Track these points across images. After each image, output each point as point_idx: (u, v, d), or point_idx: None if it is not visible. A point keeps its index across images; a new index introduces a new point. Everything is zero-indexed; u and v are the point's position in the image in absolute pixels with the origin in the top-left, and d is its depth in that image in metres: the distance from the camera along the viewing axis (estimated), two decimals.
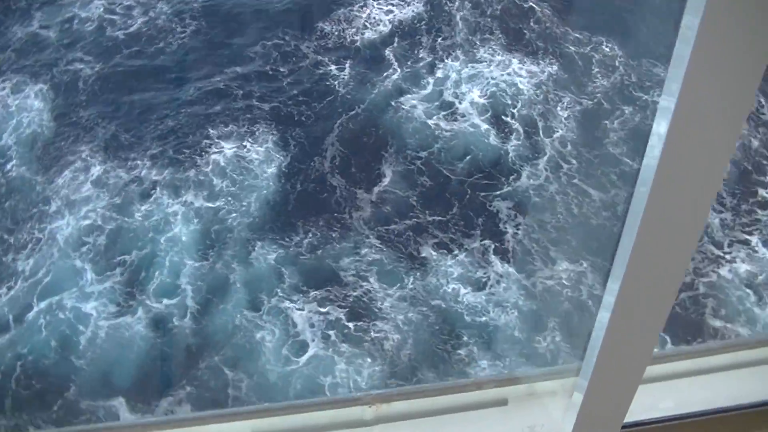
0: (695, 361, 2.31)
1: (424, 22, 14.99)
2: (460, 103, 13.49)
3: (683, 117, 1.22)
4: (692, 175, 1.29)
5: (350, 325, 10.61)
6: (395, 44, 14.58)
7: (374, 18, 15.08)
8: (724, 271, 11.28)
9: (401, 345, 10.42)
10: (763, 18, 1.14)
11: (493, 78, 13.87)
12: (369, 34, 14.76)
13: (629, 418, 2.21)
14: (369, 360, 10.28)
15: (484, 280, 11.12)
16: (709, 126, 1.24)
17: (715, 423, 2.24)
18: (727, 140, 1.26)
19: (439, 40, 14.68)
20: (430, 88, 13.81)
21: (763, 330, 10.68)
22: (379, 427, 2.19)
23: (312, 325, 10.58)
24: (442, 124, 13.16)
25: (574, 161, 12.68)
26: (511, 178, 12.46)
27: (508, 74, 13.96)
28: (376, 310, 10.78)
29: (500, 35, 14.73)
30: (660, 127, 1.28)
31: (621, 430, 2.11)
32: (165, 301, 10.89)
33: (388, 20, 15.03)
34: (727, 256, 11.47)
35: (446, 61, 14.25)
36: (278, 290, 10.97)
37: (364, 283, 11.03)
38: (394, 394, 2.29)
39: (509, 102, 13.56)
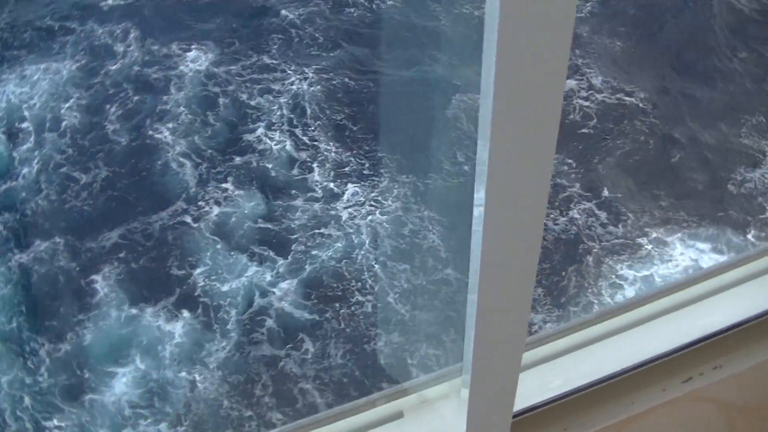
0: (573, 337, 2.36)
1: None
2: None
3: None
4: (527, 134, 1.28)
5: None
6: None
7: None
8: None
9: None
10: None
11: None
12: None
13: (521, 404, 2.23)
14: None
15: None
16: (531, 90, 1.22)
17: (602, 391, 2.28)
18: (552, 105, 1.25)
19: None
20: None
21: None
22: None
23: None
24: None
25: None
26: None
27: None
28: None
29: None
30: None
31: (514, 419, 2.12)
32: None
33: None
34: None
35: None
36: None
37: None
38: (290, 429, 2.22)
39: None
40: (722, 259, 11.57)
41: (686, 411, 2.43)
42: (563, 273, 11.40)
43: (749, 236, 11.85)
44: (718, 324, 2.39)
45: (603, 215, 12.00)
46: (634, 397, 2.35)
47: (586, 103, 13.31)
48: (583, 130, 13.01)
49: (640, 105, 13.43)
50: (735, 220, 12.09)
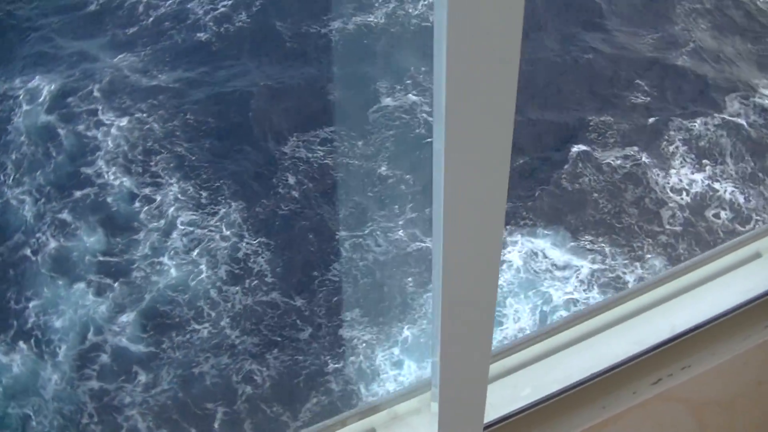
0: (541, 345, 2.36)
1: None
2: None
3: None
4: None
5: None
6: None
7: None
8: None
9: None
10: None
11: None
12: None
13: (492, 415, 2.22)
14: None
15: None
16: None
17: (573, 397, 2.29)
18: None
19: None
20: None
21: None
22: None
23: None
24: None
25: None
26: None
27: None
28: None
29: None
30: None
31: (485, 429, 2.12)
32: None
33: None
34: None
35: None
36: None
37: None
38: None
39: None
40: None
41: (657, 412, 2.45)
42: None
43: None
44: (685, 324, 2.41)
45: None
46: (606, 401, 2.36)
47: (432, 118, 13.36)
48: (429, 140, 13.09)
49: None
50: None
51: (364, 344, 10.96)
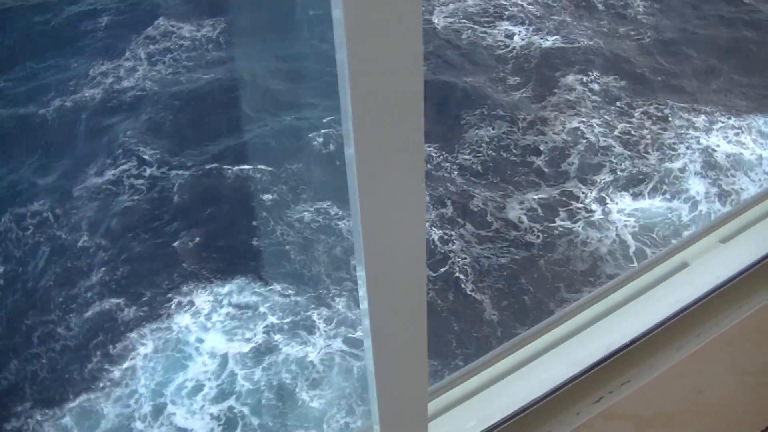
0: (481, 375, 2.36)
1: None
2: None
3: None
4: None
5: None
6: None
7: None
8: None
9: None
10: None
11: None
12: None
13: None
14: None
15: None
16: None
17: (517, 424, 2.28)
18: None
19: None
20: None
21: None
22: None
23: None
24: None
25: None
26: None
27: None
28: None
29: None
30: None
31: None
32: None
33: None
34: None
35: None
36: None
37: None
38: None
39: None
40: None
41: (602, 431, 2.45)
42: None
43: None
44: (621, 340, 2.44)
45: None
46: (550, 425, 2.36)
47: (139, 181, 13.49)
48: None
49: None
50: None
51: None
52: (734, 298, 2.55)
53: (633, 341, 2.42)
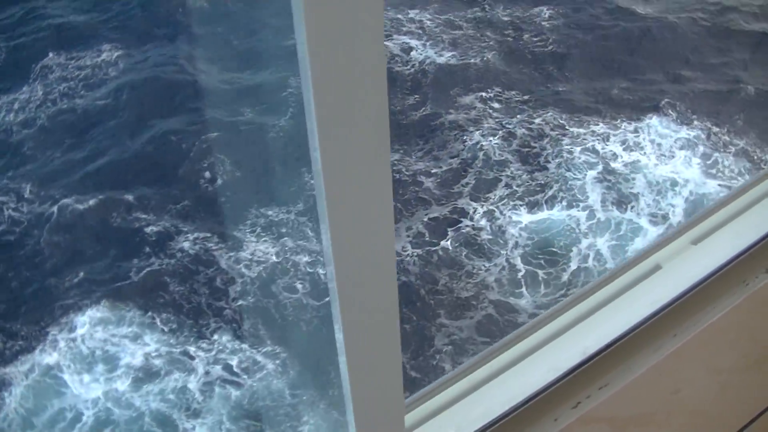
0: (458, 385, 2.34)
1: None
2: None
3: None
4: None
5: None
6: None
7: None
8: None
9: None
10: None
11: None
12: None
13: None
14: None
15: None
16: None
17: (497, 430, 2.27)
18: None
19: None
20: None
21: None
22: None
23: None
24: None
25: None
26: None
27: None
28: None
29: None
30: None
31: None
32: None
33: None
34: None
35: None
36: None
37: None
38: None
39: None
40: None
41: None
42: None
43: None
44: (597, 344, 2.43)
45: None
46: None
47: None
48: None
49: None
50: None
51: None
52: (709, 298, 2.56)
53: (610, 344, 2.42)
